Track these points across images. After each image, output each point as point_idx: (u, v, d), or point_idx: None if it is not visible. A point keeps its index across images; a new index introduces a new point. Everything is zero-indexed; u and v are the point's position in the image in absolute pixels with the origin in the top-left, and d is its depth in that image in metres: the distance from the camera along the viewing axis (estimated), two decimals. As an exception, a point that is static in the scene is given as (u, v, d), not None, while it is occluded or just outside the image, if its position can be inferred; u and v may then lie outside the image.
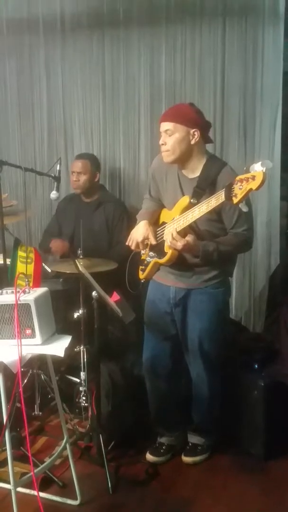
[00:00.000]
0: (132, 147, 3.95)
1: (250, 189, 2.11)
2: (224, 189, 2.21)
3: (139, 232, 2.69)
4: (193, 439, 2.88)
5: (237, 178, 2.16)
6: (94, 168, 3.69)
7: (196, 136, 2.49)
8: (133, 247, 2.71)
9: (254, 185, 2.10)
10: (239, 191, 2.13)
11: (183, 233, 2.45)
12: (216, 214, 2.47)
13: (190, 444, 2.89)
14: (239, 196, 2.14)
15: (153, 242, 2.62)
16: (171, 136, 2.50)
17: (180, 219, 2.47)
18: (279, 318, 3.34)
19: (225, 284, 2.69)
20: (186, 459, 2.84)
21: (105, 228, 3.64)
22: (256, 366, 2.95)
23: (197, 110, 2.55)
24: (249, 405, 2.84)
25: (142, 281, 2.80)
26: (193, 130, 2.48)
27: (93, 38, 3.91)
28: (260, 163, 2.12)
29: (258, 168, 2.11)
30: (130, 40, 3.80)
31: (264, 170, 2.09)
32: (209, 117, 3.56)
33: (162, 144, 2.54)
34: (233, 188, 2.16)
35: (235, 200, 2.16)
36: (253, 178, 2.10)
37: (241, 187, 2.13)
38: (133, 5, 3.74)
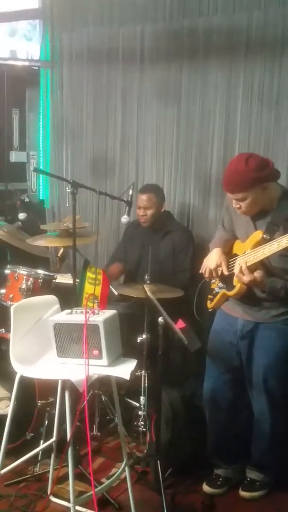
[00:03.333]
0: (203, 179, 3.98)
1: None
2: None
3: (212, 259, 2.69)
4: (252, 474, 2.83)
5: None
6: (160, 200, 3.73)
7: (266, 188, 2.45)
8: (206, 275, 2.70)
9: None
10: None
11: (253, 268, 2.44)
12: None
13: (248, 479, 2.84)
14: None
15: (225, 271, 2.62)
16: (244, 202, 2.47)
17: (251, 254, 2.46)
18: None
19: None
20: (244, 493, 2.79)
21: (171, 256, 3.67)
22: None
23: (256, 165, 2.40)
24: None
25: (209, 310, 2.80)
26: (262, 185, 2.43)
27: (171, 69, 4.00)
28: None
29: None
30: (208, 73, 3.86)
31: None
32: (283, 153, 3.62)
33: (238, 208, 2.52)
34: None
35: None
36: None
37: None
38: (212, 39, 3.81)
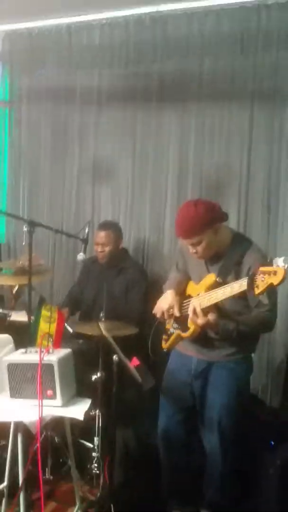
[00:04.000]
0: (157, 216, 4.07)
1: (271, 284, 2.13)
2: (247, 277, 2.25)
3: (165, 300, 2.74)
4: (205, 514, 2.82)
5: (261, 269, 2.18)
6: (117, 237, 3.78)
7: (218, 229, 2.54)
8: (158, 316, 2.75)
9: (275, 280, 2.11)
10: (261, 283, 2.16)
11: (206, 310, 2.48)
12: (242, 292, 2.47)
13: (201, 520, 2.83)
14: (261, 288, 2.16)
15: (177, 314, 2.67)
16: (200, 245, 2.54)
17: (204, 296, 2.51)
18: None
19: (247, 360, 2.72)
20: (198, 535, 2.78)
21: (124, 293, 3.69)
22: (272, 443, 2.91)
23: (205, 207, 2.50)
24: (264, 482, 2.78)
25: (164, 350, 2.82)
26: (214, 227, 2.52)
27: (127, 110, 4.12)
28: (283, 258, 2.15)
29: (280, 263, 2.14)
30: (162, 115, 3.99)
31: (285, 267, 2.12)
32: (234, 190, 3.75)
33: (195, 253, 2.59)
34: (256, 278, 2.18)
35: (256, 291, 2.18)
36: (275, 273, 2.12)
37: (263, 278, 2.15)
38: (165, 82, 3.94)
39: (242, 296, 2.50)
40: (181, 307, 2.69)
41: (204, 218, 2.48)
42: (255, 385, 3.73)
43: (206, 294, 2.51)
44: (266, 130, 3.67)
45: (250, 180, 3.74)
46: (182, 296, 2.74)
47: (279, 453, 2.83)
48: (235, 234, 2.69)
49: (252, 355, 2.79)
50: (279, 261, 2.15)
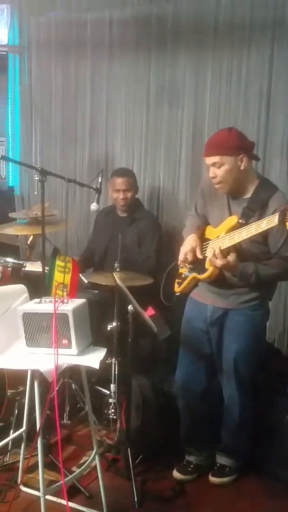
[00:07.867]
0: (172, 165, 3.99)
1: None
2: (278, 213, 2.21)
3: (187, 244, 2.69)
4: (221, 459, 2.87)
5: None
6: (136, 184, 3.74)
7: (244, 161, 2.49)
8: (181, 259, 2.70)
9: None
10: None
11: (226, 252, 2.45)
12: (262, 236, 2.45)
13: (218, 465, 2.87)
14: None
15: (199, 255, 2.63)
16: (220, 168, 2.50)
17: (225, 238, 2.48)
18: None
19: (263, 307, 2.68)
20: (213, 479, 2.82)
21: (136, 243, 3.67)
22: (288, 390, 2.93)
23: (238, 134, 2.53)
24: (279, 429, 2.80)
25: (177, 294, 2.81)
26: (240, 156, 2.48)
27: (140, 55, 3.98)
28: None
29: None
30: (177, 59, 3.85)
31: None
32: (252, 138, 3.61)
33: (213, 177, 2.54)
34: None
35: None
36: None
37: None
38: (181, 24, 3.79)
39: (262, 242, 2.48)
40: (201, 249, 2.65)
41: (232, 141, 2.49)
42: (271, 334, 3.73)
43: (227, 235, 2.47)
44: (286, 71, 3.51)
45: (269, 128, 3.62)
46: (201, 240, 2.70)
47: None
48: (262, 178, 2.64)
49: (269, 303, 2.76)
50: None
